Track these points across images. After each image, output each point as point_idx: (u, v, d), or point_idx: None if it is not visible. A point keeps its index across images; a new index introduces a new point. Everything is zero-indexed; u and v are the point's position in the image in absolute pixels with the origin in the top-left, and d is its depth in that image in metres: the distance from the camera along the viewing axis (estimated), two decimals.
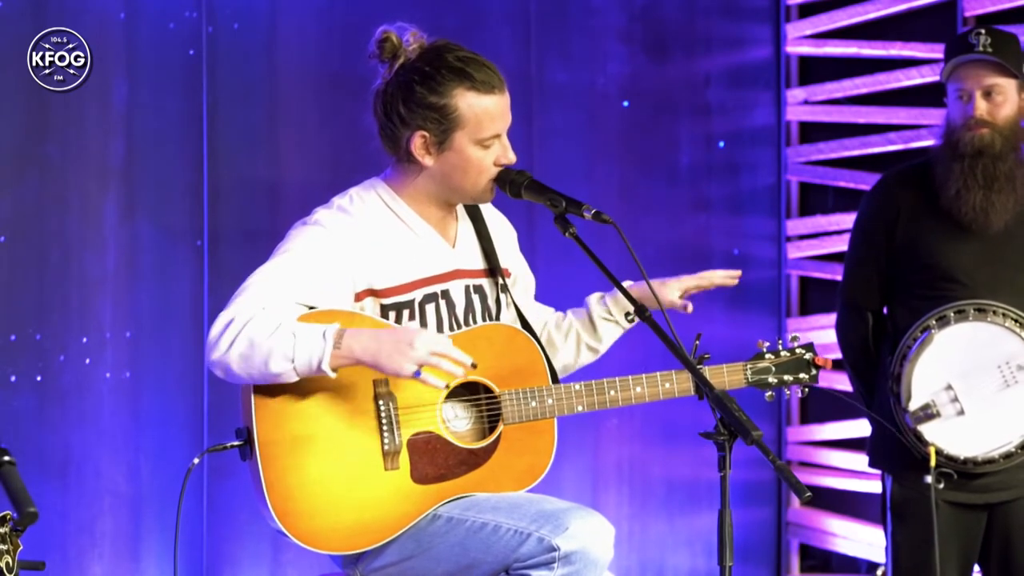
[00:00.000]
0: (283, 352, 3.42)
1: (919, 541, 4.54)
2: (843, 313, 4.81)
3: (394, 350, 3.42)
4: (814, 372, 3.82)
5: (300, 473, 3.52)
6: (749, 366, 3.79)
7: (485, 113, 3.62)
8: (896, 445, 4.55)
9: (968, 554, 4.61)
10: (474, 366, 3.48)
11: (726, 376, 3.76)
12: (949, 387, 4.50)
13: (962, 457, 4.49)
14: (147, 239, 5.51)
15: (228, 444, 3.58)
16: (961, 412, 4.49)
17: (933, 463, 4.45)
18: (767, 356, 3.81)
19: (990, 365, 4.50)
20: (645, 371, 3.71)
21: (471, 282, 3.75)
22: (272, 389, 3.51)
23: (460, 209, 3.81)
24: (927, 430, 4.48)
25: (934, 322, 4.51)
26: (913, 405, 4.50)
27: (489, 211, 3.87)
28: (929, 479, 4.45)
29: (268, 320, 3.45)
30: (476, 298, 3.74)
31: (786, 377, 3.81)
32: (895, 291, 4.68)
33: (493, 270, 3.79)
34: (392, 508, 3.53)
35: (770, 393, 3.81)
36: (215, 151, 5.63)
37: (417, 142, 3.64)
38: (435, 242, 3.72)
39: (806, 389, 3.83)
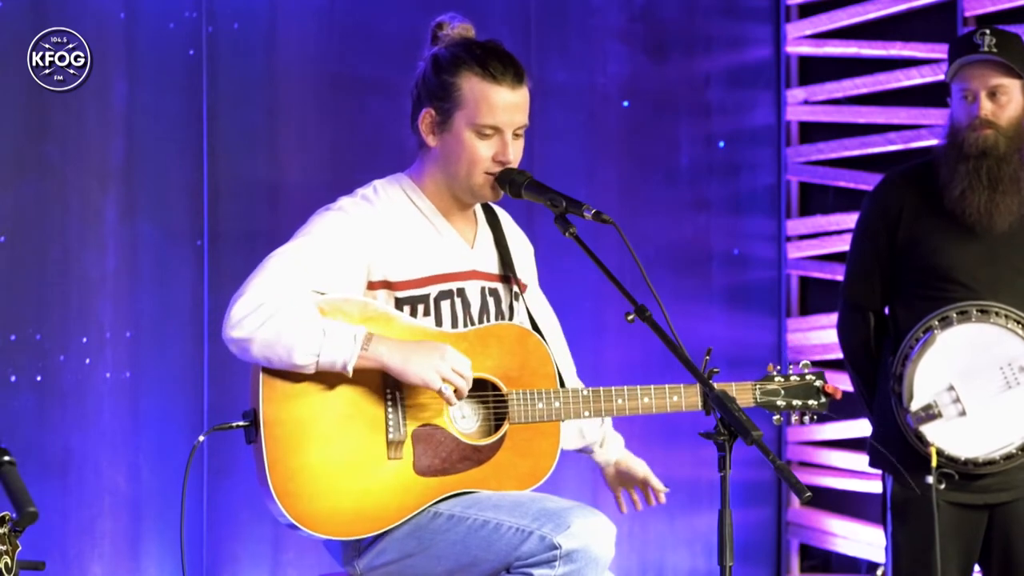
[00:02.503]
0: (309, 348, 3.46)
1: (920, 541, 4.54)
2: (844, 313, 4.80)
3: (425, 360, 3.49)
4: (824, 400, 3.83)
5: (303, 455, 3.52)
6: (758, 386, 3.80)
7: (484, 99, 3.64)
8: (897, 445, 4.55)
9: (969, 554, 4.61)
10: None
11: (735, 393, 3.75)
12: (951, 388, 4.49)
13: (963, 458, 4.49)
14: (147, 239, 5.50)
15: (234, 424, 3.59)
16: (963, 413, 4.48)
17: (935, 463, 4.45)
18: (776, 379, 3.81)
19: (992, 366, 4.49)
20: (644, 371, 3.72)
21: (487, 284, 3.76)
22: (281, 371, 3.53)
23: (480, 216, 3.83)
24: (928, 430, 4.48)
25: (936, 323, 4.51)
26: (915, 406, 4.49)
27: (512, 228, 3.90)
28: (931, 479, 4.45)
29: (298, 311, 3.48)
30: (491, 300, 3.75)
31: (795, 401, 3.81)
32: (896, 291, 4.67)
33: (508, 277, 3.80)
34: (392, 498, 3.53)
35: (777, 416, 3.81)
36: (215, 151, 5.63)
37: (424, 119, 3.69)
38: (455, 240, 3.73)
39: (814, 417, 3.83)
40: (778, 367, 3.83)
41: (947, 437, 4.49)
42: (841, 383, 6.58)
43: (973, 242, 4.57)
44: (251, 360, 3.52)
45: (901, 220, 4.63)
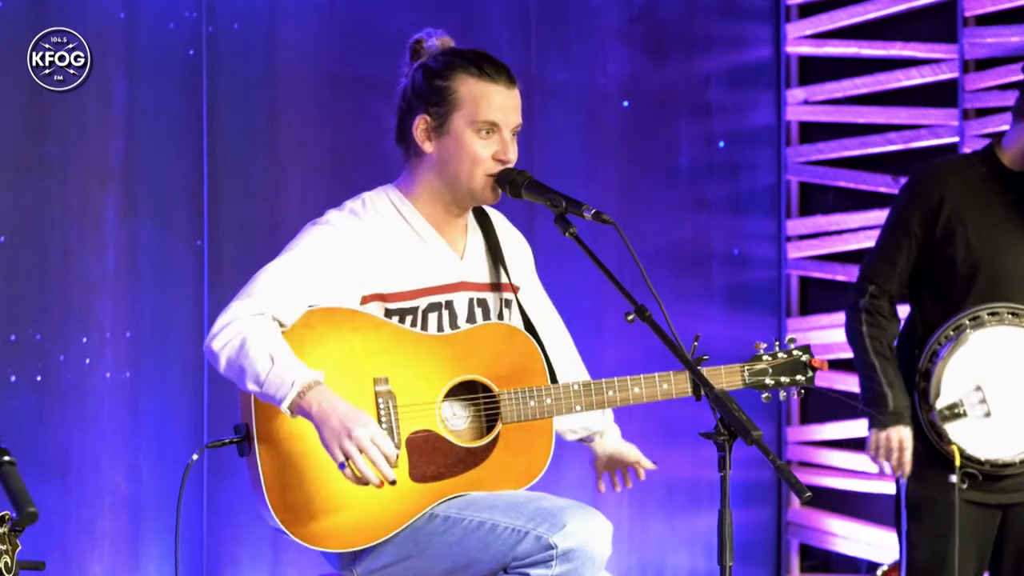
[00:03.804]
0: (255, 375, 3.43)
1: (936, 539, 4.53)
2: (856, 288, 4.69)
3: (335, 430, 3.40)
4: (810, 374, 3.82)
5: (299, 470, 3.52)
6: (747, 368, 3.79)
7: (483, 98, 3.64)
8: (916, 439, 4.53)
9: (984, 553, 4.60)
10: (393, 483, 3.43)
11: (724, 378, 3.75)
12: (979, 388, 4.48)
13: (983, 459, 4.48)
14: (147, 239, 5.51)
15: (227, 440, 3.58)
16: (988, 414, 4.47)
17: (958, 463, 4.45)
18: (764, 358, 3.81)
19: (1019, 370, 4.48)
20: (645, 370, 3.71)
21: (475, 295, 3.75)
22: None
23: (472, 222, 3.82)
24: (951, 429, 4.48)
25: (968, 322, 4.49)
26: (941, 403, 4.49)
27: (505, 228, 3.88)
28: (954, 479, 4.44)
29: (260, 335, 3.45)
30: (479, 311, 3.74)
31: (783, 379, 3.80)
32: (925, 284, 4.63)
33: (500, 285, 3.79)
34: (390, 506, 3.52)
35: (766, 395, 3.81)
36: (215, 151, 5.63)
37: (419, 126, 3.67)
38: (443, 252, 3.72)
39: (802, 391, 3.83)
40: (764, 344, 3.82)
41: (969, 437, 4.48)
42: (841, 383, 6.60)
43: (1008, 243, 4.54)
44: (223, 374, 3.52)
45: (940, 213, 4.57)
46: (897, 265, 4.61)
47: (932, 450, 4.50)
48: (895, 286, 4.63)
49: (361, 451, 3.39)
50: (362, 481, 3.41)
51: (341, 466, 3.41)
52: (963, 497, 4.50)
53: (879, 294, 4.60)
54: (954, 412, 4.47)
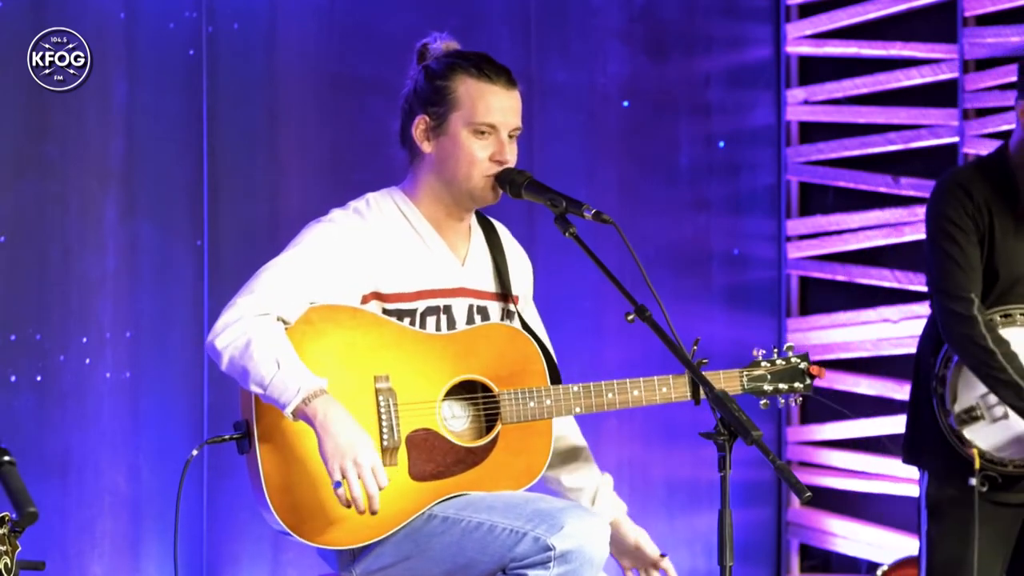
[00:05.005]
0: (259, 378, 3.44)
1: (956, 540, 4.52)
2: (949, 308, 4.48)
3: (340, 448, 3.41)
4: (808, 381, 3.82)
5: (299, 467, 3.52)
6: (745, 373, 3.79)
7: (481, 98, 3.64)
8: (937, 442, 4.53)
9: (1007, 553, 4.60)
10: (374, 513, 3.44)
11: (722, 383, 3.75)
12: None
13: (1006, 459, 4.48)
14: (147, 239, 5.51)
15: (227, 436, 3.58)
16: (1005, 416, 4.48)
17: (977, 465, 4.44)
18: (763, 364, 3.81)
19: None
20: (644, 371, 3.71)
21: (476, 302, 3.75)
22: None
23: (476, 228, 3.82)
24: (969, 432, 4.48)
25: None
26: (958, 407, 4.49)
27: (510, 242, 3.88)
28: (974, 481, 4.44)
29: (266, 337, 3.46)
30: (479, 318, 3.74)
31: (781, 385, 3.80)
32: None
33: (503, 294, 3.79)
34: (389, 504, 3.52)
35: (765, 401, 3.81)
36: (215, 151, 5.64)
37: (418, 126, 3.68)
38: (444, 256, 3.72)
39: (800, 398, 3.84)
40: (762, 351, 3.82)
41: (988, 439, 4.48)
42: (841, 383, 6.60)
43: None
44: (224, 372, 3.52)
45: (976, 218, 4.53)
46: (978, 271, 4.50)
47: (952, 453, 4.50)
48: (979, 293, 4.51)
49: (359, 478, 3.41)
50: (348, 504, 3.43)
51: (336, 484, 3.41)
52: (986, 498, 4.49)
53: (977, 302, 4.47)
54: (971, 415, 4.48)
